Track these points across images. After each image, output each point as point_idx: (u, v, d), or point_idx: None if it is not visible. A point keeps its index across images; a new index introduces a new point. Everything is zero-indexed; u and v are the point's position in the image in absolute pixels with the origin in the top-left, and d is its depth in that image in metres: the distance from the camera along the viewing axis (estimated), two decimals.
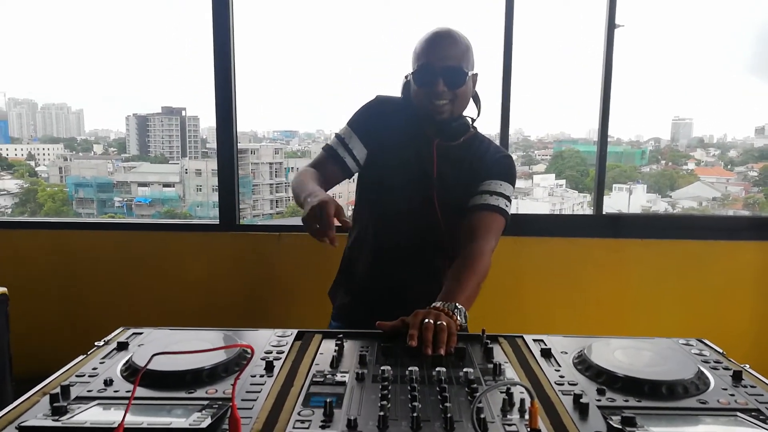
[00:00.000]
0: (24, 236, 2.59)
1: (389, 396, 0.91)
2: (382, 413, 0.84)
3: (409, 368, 1.01)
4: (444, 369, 1.02)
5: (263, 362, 1.06)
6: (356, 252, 1.70)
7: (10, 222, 2.72)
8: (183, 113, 6.37)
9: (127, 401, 0.90)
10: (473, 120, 1.66)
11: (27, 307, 2.29)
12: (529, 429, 0.82)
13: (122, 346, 1.16)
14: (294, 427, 0.83)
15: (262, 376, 1.03)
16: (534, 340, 1.22)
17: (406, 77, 1.61)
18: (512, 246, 2.42)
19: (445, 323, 1.18)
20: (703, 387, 0.98)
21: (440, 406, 0.88)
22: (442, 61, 1.51)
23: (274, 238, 2.47)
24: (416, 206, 1.60)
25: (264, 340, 1.20)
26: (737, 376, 1.03)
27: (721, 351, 1.17)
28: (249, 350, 1.13)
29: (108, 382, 0.99)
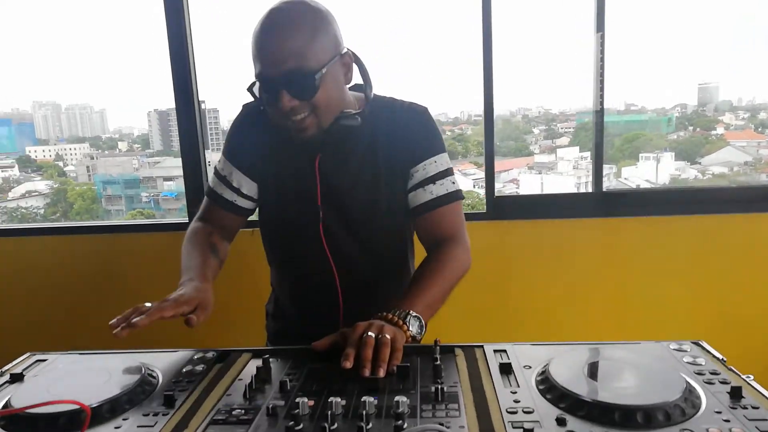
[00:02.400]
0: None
1: None
2: None
3: (330, 399, 0.84)
4: (373, 399, 0.84)
5: (162, 396, 0.90)
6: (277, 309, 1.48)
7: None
8: (203, 106, 6.37)
9: None
10: (366, 100, 1.27)
11: None
12: None
13: (16, 378, 1.00)
14: None
15: (155, 414, 0.86)
16: (495, 351, 1.03)
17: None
18: (497, 232, 2.23)
19: (389, 336, 1.00)
20: (691, 411, 0.79)
21: None
22: (278, 66, 1.12)
23: (246, 235, 2.30)
24: (309, 251, 1.31)
25: (179, 363, 1.03)
26: (736, 393, 0.83)
27: (721, 358, 0.97)
28: (153, 371, 0.98)
29: None
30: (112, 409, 0.86)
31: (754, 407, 0.80)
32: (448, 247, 1.28)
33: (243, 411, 0.85)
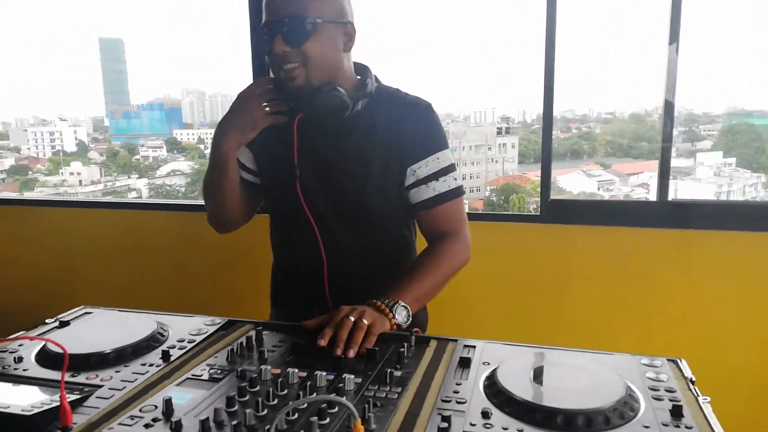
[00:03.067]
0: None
1: (236, 399, 0.85)
2: (204, 417, 0.79)
3: (289, 369, 0.94)
4: (325, 374, 0.93)
5: (161, 351, 1.05)
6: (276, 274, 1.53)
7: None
8: None
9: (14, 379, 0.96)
10: (369, 87, 1.30)
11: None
12: None
13: (63, 324, 1.21)
14: (120, 423, 0.81)
15: (151, 365, 1.01)
16: (465, 346, 1.08)
17: None
18: (550, 236, 2.19)
19: (367, 322, 1.09)
20: (617, 421, 0.80)
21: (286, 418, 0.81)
22: (277, 11, 1.19)
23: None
24: (288, 211, 1.35)
25: (191, 326, 1.19)
26: (676, 412, 0.82)
27: (690, 377, 0.95)
28: (165, 331, 1.14)
29: (17, 360, 1.04)
30: (118, 356, 1.03)
31: (687, 427, 0.79)
32: (446, 240, 1.34)
33: (219, 371, 0.98)
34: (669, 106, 2.07)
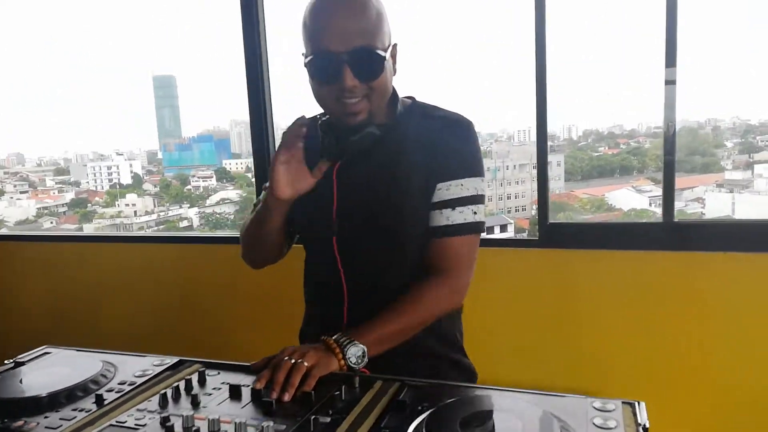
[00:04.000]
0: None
1: None
2: None
3: (211, 417, 0.90)
4: (246, 421, 0.89)
5: (94, 396, 1.03)
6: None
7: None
8: None
9: None
10: (405, 112, 1.22)
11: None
12: None
13: (18, 365, 1.21)
14: None
15: (82, 410, 0.99)
16: (410, 386, 1.02)
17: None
18: (549, 261, 2.10)
19: (307, 364, 1.04)
20: None
21: None
22: (345, 42, 1.08)
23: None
24: (321, 261, 1.28)
25: (138, 367, 1.16)
26: None
27: (643, 424, 0.86)
28: (109, 372, 1.12)
29: None
30: (51, 401, 1.01)
31: None
32: (433, 282, 1.21)
33: (143, 417, 0.95)
34: (669, 118, 1.95)
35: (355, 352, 1.11)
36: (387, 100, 1.20)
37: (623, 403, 0.92)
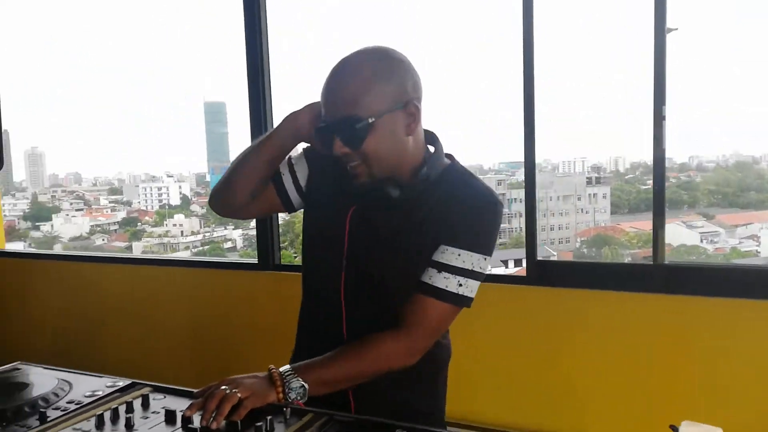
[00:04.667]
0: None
1: None
2: None
3: None
4: None
5: (39, 413, 1.08)
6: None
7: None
8: None
9: None
10: (428, 173, 1.21)
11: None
12: None
13: None
14: None
15: (26, 427, 1.04)
16: (339, 420, 1.03)
17: None
18: (537, 299, 2.08)
19: (240, 395, 1.06)
20: None
21: None
22: (333, 112, 1.15)
23: None
24: (324, 294, 1.29)
25: (91, 387, 1.21)
26: None
27: None
28: (63, 390, 1.17)
29: None
30: (1, 415, 1.06)
31: None
32: (390, 336, 1.20)
33: None
34: (658, 153, 1.93)
35: (297, 389, 1.12)
36: (394, 159, 1.19)
37: None
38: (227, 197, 1.35)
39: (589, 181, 6.63)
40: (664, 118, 1.90)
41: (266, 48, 2.55)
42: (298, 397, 1.12)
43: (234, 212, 1.39)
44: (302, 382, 1.12)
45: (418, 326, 1.20)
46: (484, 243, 1.20)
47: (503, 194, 5.49)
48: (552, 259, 2.09)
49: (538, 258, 2.07)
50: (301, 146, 1.34)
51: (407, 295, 1.22)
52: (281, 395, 1.11)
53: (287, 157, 1.34)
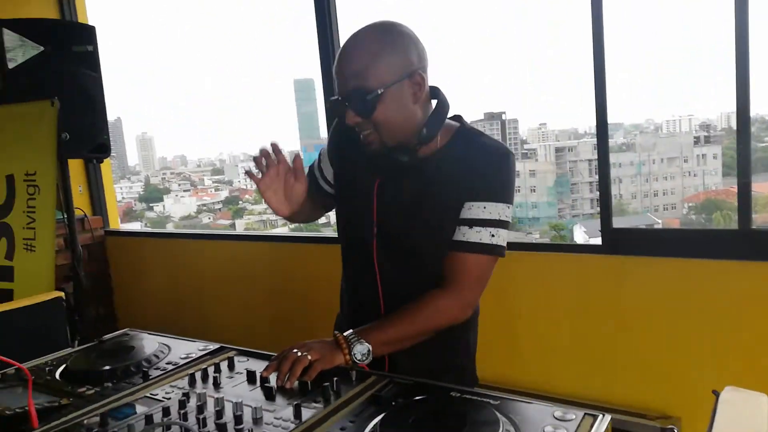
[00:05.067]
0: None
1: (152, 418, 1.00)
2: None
3: (212, 396, 1.07)
4: (237, 401, 1.03)
5: (142, 372, 1.24)
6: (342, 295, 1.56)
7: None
8: (503, 117, 6.76)
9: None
10: (428, 133, 1.28)
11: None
12: None
13: (101, 343, 1.48)
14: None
15: (130, 383, 1.21)
16: (399, 383, 1.11)
17: None
18: (611, 268, 2.04)
19: (310, 357, 1.17)
20: None
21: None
22: (343, 86, 1.25)
23: None
24: (359, 258, 1.40)
25: (185, 350, 1.37)
26: None
27: None
28: (162, 353, 1.34)
29: (48, 372, 1.31)
30: (110, 375, 1.24)
31: None
32: (441, 293, 1.30)
33: (171, 392, 1.14)
34: (744, 116, 1.82)
35: (361, 350, 1.22)
36: (405, 126, 1.27)
37: (586, 414, 0.95)
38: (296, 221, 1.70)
39: (696, 141, 6.16)
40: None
41: (335, 21, 2.63)
42: (363, 359, 1.22)
43: (307, 222, 1.71)
44: (366, 344, 1.22)
45: (464, 281, 1.29)
46: (504, 192, 1.29)
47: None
48: (627, 227, 2.03)
49: (614, 226, 2.03)
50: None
51: (435, 256, 1.31)
52: (348, 357, 1.21)
53: (314, 162, 1.53)
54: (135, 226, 5.41)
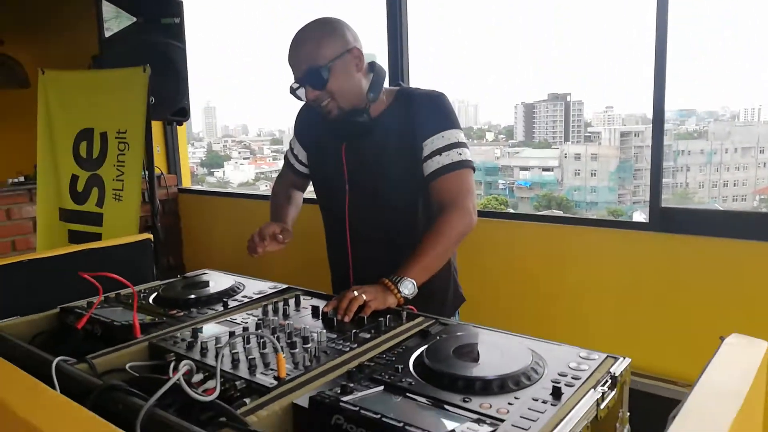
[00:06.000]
0: None
1: (234, 333, 1.19)
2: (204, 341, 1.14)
3: (284, 322, 1.25)
4: (304, 327, 1.21)
5: (222, 302, 1.44)
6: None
7: None
8: (568, 98, 6.71)
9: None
10: (373, 95, 1.57)
11: None
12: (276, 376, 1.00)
13: (185, 278, 1.69)
14: (162, 339, 1.20)
15: (213, 309, 1.40)
16: (439, 323, 1.25)
17: None
18: (659, 246, 2.10)
19: (365, 297, 1.33)
20: (497, 390, 0.93)
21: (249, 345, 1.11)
22: (298, 70, 1.52)
23: None
24: (338, 215, 1.68)
25: (259, 288, 1.56)
26: (556, 393, 0.92)
27: (613, 372, 1.00)
28: (239, 288, 1.53)
29: (143, 297, 1.53)
30: (195, 302, 1.44)
31: (552, 404, 0.89)
32: (445, 213, 1.51)
33: (248, 318, 1.32)
34: None
35: (407, 285, 1.40)
36: (356, 92, 1.55)
37: (609, 356, 1.06)
38: None
39: None
40: None
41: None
42: (412, 292, 1.40)
43: None
44: (409, 279, 1.40)
45: (457, 196, 1.53)
46: (452, 120, 1.57)
47: (669, 144, 5.17)
48: (675, 206, 2.09)
49: (662, 205, 2.09)
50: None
51: (400, 198, 1.59)
52: (399, 296, 1.37)
53: (287, 151, 1.86)
54: None
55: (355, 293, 1.35)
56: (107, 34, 2.85)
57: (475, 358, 1.06)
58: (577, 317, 2.25)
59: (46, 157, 2.81)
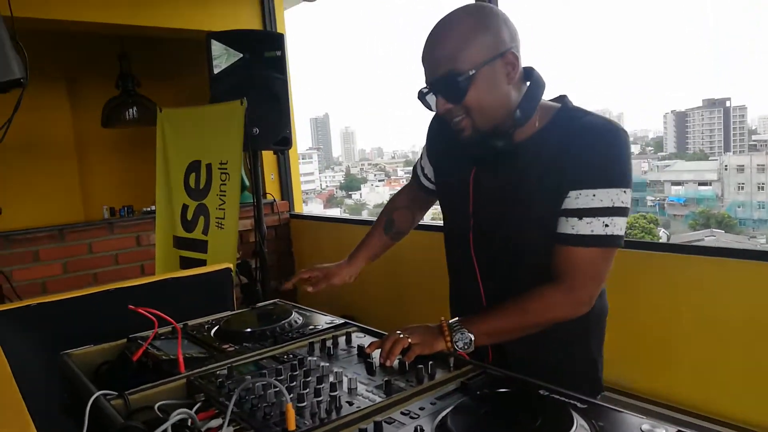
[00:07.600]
0: None
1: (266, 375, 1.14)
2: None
3: (322, 364, 1.18)
4: (339, 370, 1.13)
5: (274, 337, 1.41)
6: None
7: None
8: (727, 104, 6.13)
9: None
10: (522, 114, 1.20)
11: None
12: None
13: (254, 309, 1.70)
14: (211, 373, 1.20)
15: (263, 344, 1.38)
16: (488, 373, 1.11)
17: None
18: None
19: (411, 341, 1.22)
20: None
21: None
22: (432, 72, 1.20)
23: None
24: (458, 249, 1.41)
25: (315, 321, 1.51)
26: None
27: None
28: (296, 322, 1.50)
29: (206, 331, 1.55)
30: (249, 336, 1.43)
31: None
32: (554, 287, 1.23)
33: (290, 356, 1.28)
34: None
35: (463, 338, 1.23)
36: (498, 110, 1.21)
37: (679, 431, 0.86)
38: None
39: None
40: None
41: None
42: (465, 347, 1.23)
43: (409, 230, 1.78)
44: (468, 334, 1.23)
45: (576, 277, 1.21)
46: (617, 175, 1.16)
47: None
48: None
49: None
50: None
51: (533, 248, 1.26)
52: (449, 344, 1.23)
53: (417, 161, 1.61)
54: (335, 212, 5.95)
55: (401, 335, 1.25)
56: (215, 71, 3.04)
57: (507, 425, 0.91)
58: (704, 360, 1.93)
59: (163, 188, 3.04)
